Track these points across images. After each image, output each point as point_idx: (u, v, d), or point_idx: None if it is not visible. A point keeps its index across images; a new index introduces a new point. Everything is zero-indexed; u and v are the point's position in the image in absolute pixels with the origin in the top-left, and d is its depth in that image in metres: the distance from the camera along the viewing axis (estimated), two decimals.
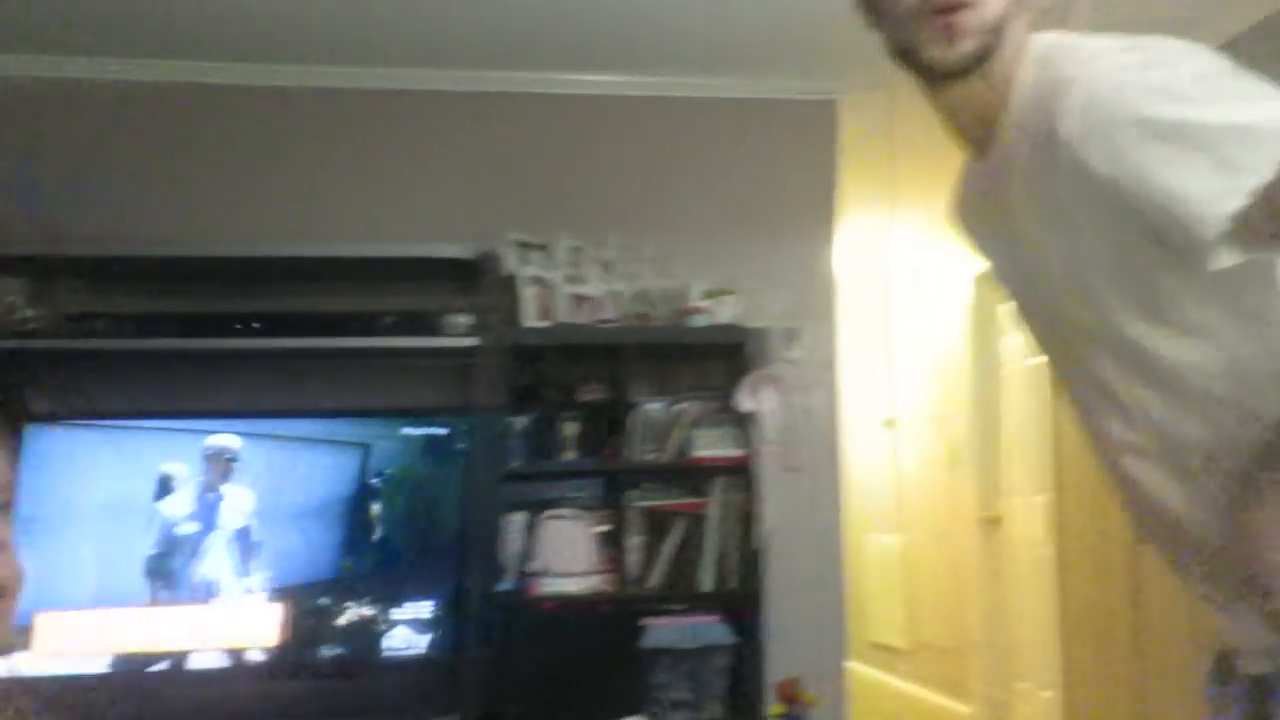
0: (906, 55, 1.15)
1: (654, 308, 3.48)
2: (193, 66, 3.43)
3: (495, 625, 2.97)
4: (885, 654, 5.62)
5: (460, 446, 3.08)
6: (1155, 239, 0.96)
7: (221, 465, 2.95)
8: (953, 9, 1.07)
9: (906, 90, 3.86)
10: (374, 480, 3.06)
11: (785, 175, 3.81)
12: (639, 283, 3.52)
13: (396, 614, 2.97)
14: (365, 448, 3.03)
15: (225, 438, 2.97)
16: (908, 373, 5.74)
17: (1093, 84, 0.99)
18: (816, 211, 3.83)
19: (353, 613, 2.93)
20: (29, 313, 2.86)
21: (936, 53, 1.11)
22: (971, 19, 1.08)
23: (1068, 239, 1.07)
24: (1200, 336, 1.02)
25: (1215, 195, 0.86)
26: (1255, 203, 0.83)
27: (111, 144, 3.40)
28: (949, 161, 4.60)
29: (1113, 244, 1.03)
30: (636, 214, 3.67)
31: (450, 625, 2.99)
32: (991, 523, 4.94)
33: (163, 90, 3.45)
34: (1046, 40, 1.12)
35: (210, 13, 3.15)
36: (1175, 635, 3.29)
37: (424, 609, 2.99)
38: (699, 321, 3.41)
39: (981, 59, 1.10)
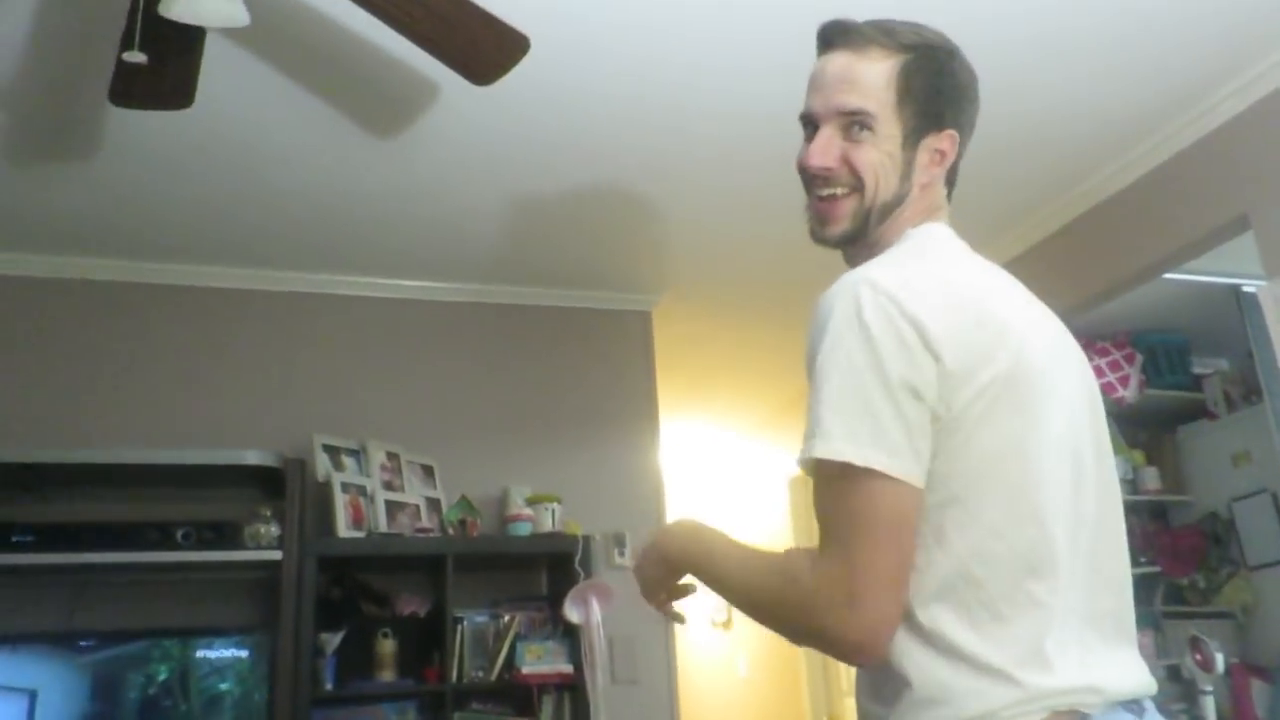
0: None
1: (475, 515, 3.36)
2: None
3: None
4: None
5: (263, 668, 2.79)
6: None
7: None
8: (827, 198, 1.23)
9: (715, 299, 4.03)
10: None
11: (605, 381, 3.86)
12: (459, 489, 3.41)
13: None
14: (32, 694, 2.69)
15: None
16: None
17: (831, 294, 1.12)
18: (639, 415, 3.87)
19: None
20: None
21: (814, 229, 1.27)
22: (845, 206, 1.23)
23: None
24: None
25: (803, 436, 1.08)
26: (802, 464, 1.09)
27: None
28: (759, 366, 4.78)
29: None
30: (455, 419, 3.60)
31: None
32: None
33: None
34: (912, 231, 1.23)
35: None
36: None
37: None
38: (522, 529, 3.31)
39: (854, 239, 1.24)
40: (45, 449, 2.83)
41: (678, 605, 1.35)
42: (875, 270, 1.12)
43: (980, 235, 3.57)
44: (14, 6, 2.24)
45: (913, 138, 1.22)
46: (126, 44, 1.93)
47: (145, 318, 3.38)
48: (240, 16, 1.87)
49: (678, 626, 3.80)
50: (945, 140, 1.25)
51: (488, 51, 2.15)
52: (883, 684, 1.09)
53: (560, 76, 2.58)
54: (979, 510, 1.06)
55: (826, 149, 1.22)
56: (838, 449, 1.03)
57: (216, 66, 2.36)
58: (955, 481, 1.06)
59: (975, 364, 1.07)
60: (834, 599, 1.02)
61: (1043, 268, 3.49)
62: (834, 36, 1.26)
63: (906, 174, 1.22)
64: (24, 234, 3.18)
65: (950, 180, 1.30)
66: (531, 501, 3.37)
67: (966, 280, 1.18)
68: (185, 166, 2.89)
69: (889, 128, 1.21)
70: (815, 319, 1.12)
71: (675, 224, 3.39)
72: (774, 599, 1.11)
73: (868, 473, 1.03)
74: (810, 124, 1.26)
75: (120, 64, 2.03)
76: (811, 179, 1.25)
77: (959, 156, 1.28)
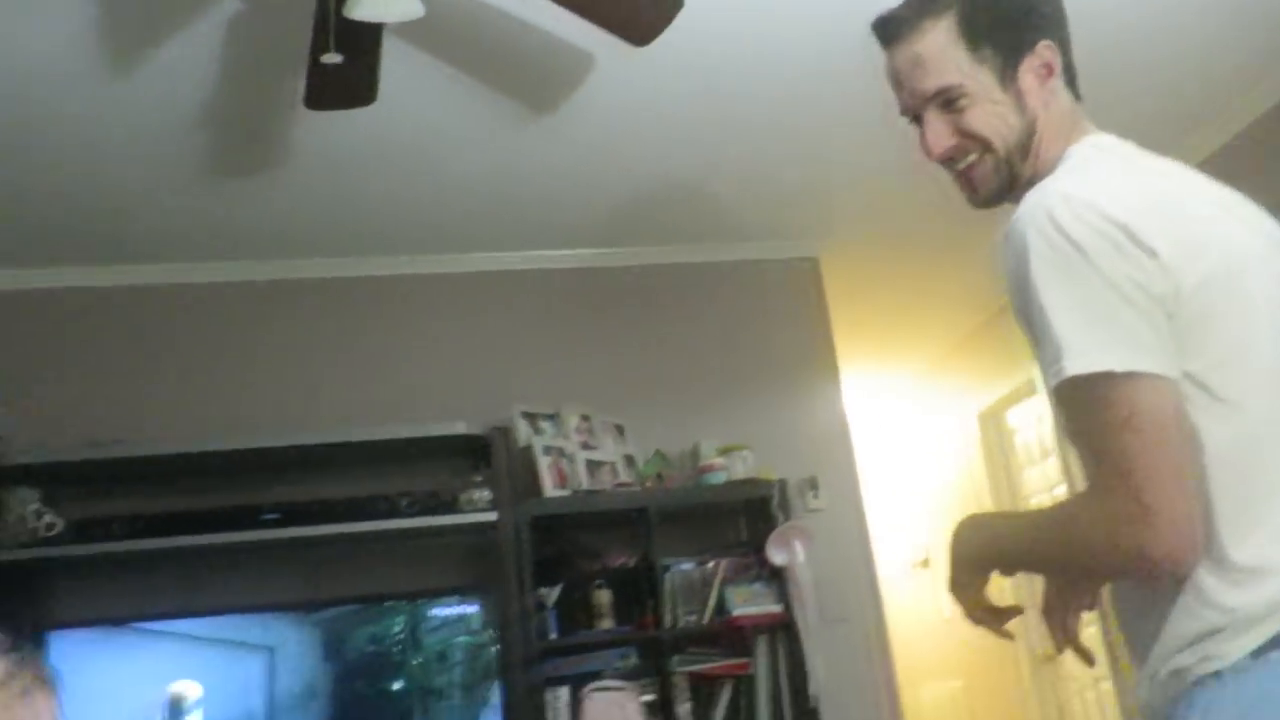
0: None
1: (670, 468, 3.46)
2: (184, 268, 3.54)
3: None
4: None
5: (489, 624, 2.98)
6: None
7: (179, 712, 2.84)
8: (965, 169, 1.24)
9: (882, 237, 3.96)
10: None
11: (781, 330, 3.88)
12: (650, 446, 3.52)
13: None
14: (270, 650, 2.92)
15: (185, 684, 2.88)
16: (933, 512, 5.64)
17: (1019, 219, 1.09)
18: (817, 360, 3.87)
19: None
20: (46, 520, 2.84)
21: (969, 199, 1.28)
22: (983, 168, 1.23)
23: None
24: None
25: (1044, 365, 1.06)
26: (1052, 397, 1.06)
27: (110, 348, 3.44)
28: (934, 300, 4.67)
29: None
30: (640, 379, 3.70)
31: None
32: (1048, 659, 4.74)
33: (156, 291, 3.53)
34: (1074, 149, 1.21)
35: (204, 216, 3.29)
36: None
37: None
38: (717, 478, 3.38)
39: (1009, 188, 1.23)
40: (284, 435, 3.10)
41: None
42: (1061, 183, 1.11)
43: (1173, 130, 3.37)
44: (204, 36, 2.45)
45: (1008, 73, 1.21)
46: (319, 48, 2.08)
47: (354, 309, 3.63)
48: (416, 9, 1.99)
49: (879, 567, 3.80)
50: (1043, 53, 1.22)
51: (644, 12, 2.20)
52: (1146, 596, 1.08)
53: (713, 27, 2.60)
54: (1228, 403, 1.04)
55: (938, 135, 1.23)
56: (1092, 360, 1.01)
57: (387, 64, 2.50)
58: (1200, 377, 1.03)
59: (1188, 256, 1.04)
60: (1129, 517, 0.98)
61: (1253, 158, 3.26)
62: (885, 33, 1.26)
63: (1021, 106, 1.21)
64: (237, 243, 3.46)
65: (1070, 76, 1.26)
66: (722, 452, 3.44)
67: (1151, 178, 1.16)
68: (367, 164, 3.07)
69: (979, 80, 1.21)
70: (1010, 247, 1.09)
71: (837, 167, 3.38)
72: (1075, 548, 1.09)
73: (1128, 377, 1.00)
74: (914, 117, 1.27)
75: (313, 69, 2.19)
76: (942, 161, 1.26)
77: (1067, 50, 1.25)
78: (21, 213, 3.13)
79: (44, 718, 0.76)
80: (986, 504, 5.12)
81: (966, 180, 1.25)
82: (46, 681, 0.78)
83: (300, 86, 2.32)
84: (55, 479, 3.01)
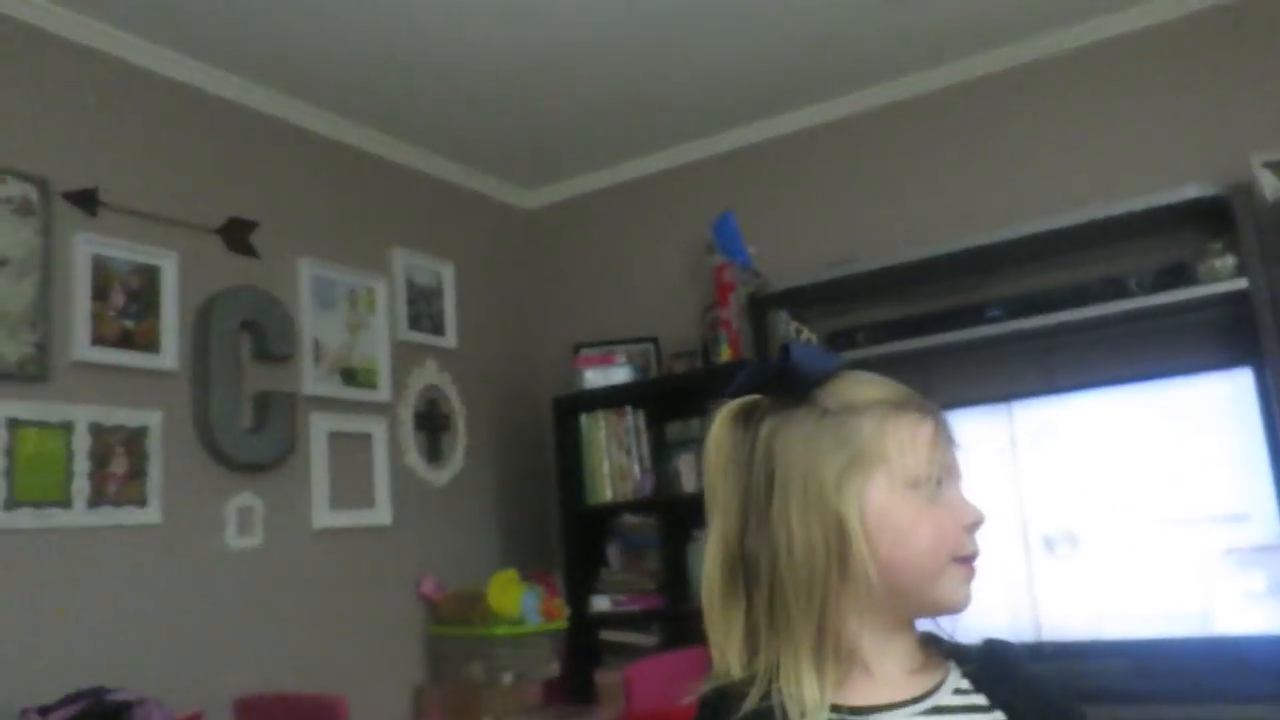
0: None
1: None
2: (882, 90, 3.64)
3: None
4: None
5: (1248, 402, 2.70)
6: None
7: None
8: None
9: None
10: None
11: None
12: None
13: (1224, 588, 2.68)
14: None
15: None
16: None
17: None
18: None
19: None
20: (805, 335, 3.27)
21: None
22: None
23: None
24: None
25: None
26: None
27: (829, 180, 3.72)
28: None
29: None
30: None
31: None
32: None
33: (859, 121, 3.70)
34: None
35: (891, 33, 3.33)
36: None
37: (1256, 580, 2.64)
38: None
39: None
40: (999, 230, 3.08)
41: None
42: None
43: None
44: None
45: None
46: None
47: (1051, 90, 3.38)
48: None
49: None
50: None
51: None
52: None
53: None
54: None
55: None
56: None
57: None
58: None
59: None
60: None
61: None
62: None
63: None
64: (929, 51, 3.43)
65: None
66: None
67: None
68: None
69: None
70: None
71: None
72: None
73: None
74: None
75: None
76: None
77: None
78: (745, 73, 3.50)
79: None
80: None
81: None
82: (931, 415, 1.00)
83: None
84: (801, 300, 3.41)
